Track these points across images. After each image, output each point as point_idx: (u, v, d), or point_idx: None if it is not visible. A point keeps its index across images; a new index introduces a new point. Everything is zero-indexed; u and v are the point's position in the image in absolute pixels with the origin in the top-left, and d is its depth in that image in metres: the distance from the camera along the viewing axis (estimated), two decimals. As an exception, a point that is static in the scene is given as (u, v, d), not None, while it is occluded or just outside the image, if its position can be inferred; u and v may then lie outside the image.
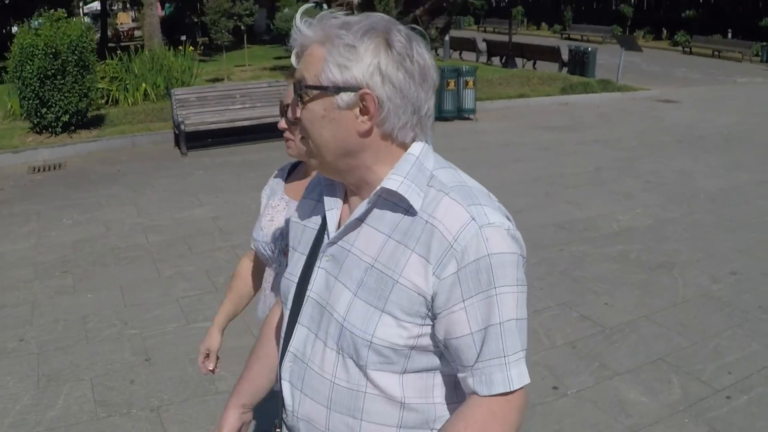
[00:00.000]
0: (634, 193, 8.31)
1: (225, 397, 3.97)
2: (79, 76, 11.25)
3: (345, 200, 1.53)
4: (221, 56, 21.91)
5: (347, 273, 1.44)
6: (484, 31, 37.26)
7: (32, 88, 10.92)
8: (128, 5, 31.40)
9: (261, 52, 26.10)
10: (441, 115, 12.74)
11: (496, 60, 23.16)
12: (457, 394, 1.45)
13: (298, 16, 1.41)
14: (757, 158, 10.20)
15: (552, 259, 6.04)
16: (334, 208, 1.52)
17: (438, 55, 22.09)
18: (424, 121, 1.42)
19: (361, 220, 1.44)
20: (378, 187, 1.39)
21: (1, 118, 13.11)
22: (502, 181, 8.39)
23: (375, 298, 1.38)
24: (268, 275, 2.42)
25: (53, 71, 10.87)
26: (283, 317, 1.60)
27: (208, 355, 2.49)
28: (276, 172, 2.47)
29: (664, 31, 34.12)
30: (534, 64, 21.76)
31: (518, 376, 1.35)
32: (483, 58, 23.45)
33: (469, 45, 24.56)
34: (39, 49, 10.72)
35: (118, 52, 15.58)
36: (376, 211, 1.43)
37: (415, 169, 1.40)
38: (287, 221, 2.19)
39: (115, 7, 40.21)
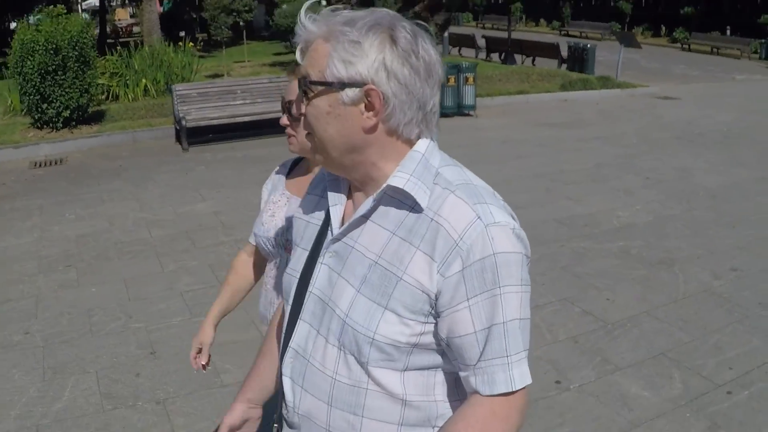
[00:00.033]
0: (634, 189, 8.35)
1: (230, 390, 4.05)
2: (80, 72, 11.25)
3: (349, 196, 1.52)
4: (220, 52, 21.89)
5: (350, 269, 1.43)
6: (483, 28, 37.29)
7: (33, 83, 10.92)
8: (127, 1, 31.31)
9: (260, 48, 26.09)
10: (441, 112, 12.50)
11: (495, 56, 23.17)
12: (458, 392, 1.45)
13: (302, 11, 1.40)
14: (756, 155, 10.23)
15: (553, 254, 6.08)
16: (338, 203, 1.51)
17: (437, 51, 22.08)
18: (430, 117, 1.41)
19: (366, 216, 1.43)
20: (384, 185, 1.39)
21: (2, 114, 13.11)
22: (502, 178, 8.43)
23: (378, 294, 1.38)
24: (270, 270, 2.43)
25: (54, 67, 10.88)
26: (285, 313, 1.60)
27: (200, 351, 2.46)
28: (278, 167, 2.47)
29: (663, 28, 34.19)
30: (533, 60, 21.78)
31: (520, 376, 1.36)
32: (482, 55, 23.46)
33: (468, 41, 24.56)
34: (40, 45, 10.73)
35: (118, 48, 15.58)
36: (381, 207, 1.42)
37: (421, 166, 1.39)
38: (288, 217, 2.21)
39: (114, 3, 40.13)
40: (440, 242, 1.33)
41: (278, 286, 2.36)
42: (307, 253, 1.55)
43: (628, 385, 4.08)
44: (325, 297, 1.47)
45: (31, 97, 11.12)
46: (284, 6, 24.76)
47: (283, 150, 2.25)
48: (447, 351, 1.40)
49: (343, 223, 1.48)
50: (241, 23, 22.07)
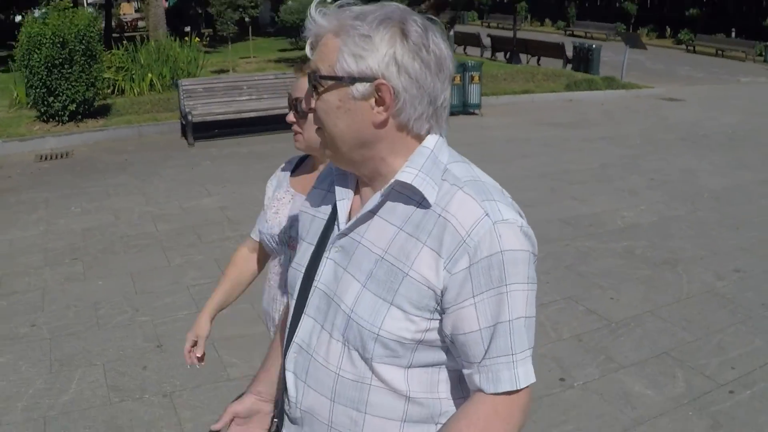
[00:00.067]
0: (638, 190, 8.37)
1: (236, 384, 4.08)
2: (86, 66, 11.28)
3: (356, 191, 1.52)
4: (226, 48, 21.90)
5: (356, 264, 1.42)
6: (488, 27, 37.30)
7: (39, 76, 10.95)
8: (133, -5, 31.40)
9: (265, 44, 26.12)
10: (447, 109, 12.76)
11: (500, 55, 23.19)
12: (462, 389, 1.45)
13: (313, 6, 1.39)
14: (760, 158, 10.25)
15: (558, 253, 6.11)
16: (345, 198, 1.51)
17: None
18: (440, 112, 1.40)
19: (373, 212, 1.43)
20: (392, 180, 1.38)
21: (8, 107, 13.15)
22: (507, 177, 8.44)
23: (384, 290, 1.37)
24: (273, 267, 2.44)
25: (60, 60, 10.90)
26: (289, 308, 1.59)
27: (195, 344, 2.45)
28: (284, 164, 2.47)
29: (668, 30, 34.16)
30: (538, 60, 21.75)
31: (525, 374, 1.35)
32: (487, 54, 23.44)
33: (473, 40, 24.57)
34: (47, 38, 10.75)
35: (125, 42, 15.61)
36: (388, 203, 1.41)
37: (430, 162, 1.39)
38: (291, 215, 2.23)
39: (120, -3, 40.20)
40: (447, 238, 1.32)
41: (282, 283, 2.37)
42: (312, 248, 1.55)
43: (632, 384, 4.10)
44: (330, 292, 1.46)
45: (38, 90, 11.15)
46: (290, 2, 24.79)
47: (289, 146, 2.26)
48: (451, 348, 1.40)
49: (350, 218, 1.47)
50: (246, 19, 22.08)
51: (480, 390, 1.36)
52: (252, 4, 21.17)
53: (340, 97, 1.35)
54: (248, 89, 11.89)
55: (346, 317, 1.41)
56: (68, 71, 11.03)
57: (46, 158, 10.22)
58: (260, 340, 2.51)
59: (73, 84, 11.18)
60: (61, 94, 11.17)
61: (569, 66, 20.11)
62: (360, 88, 1.33)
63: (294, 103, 2.16)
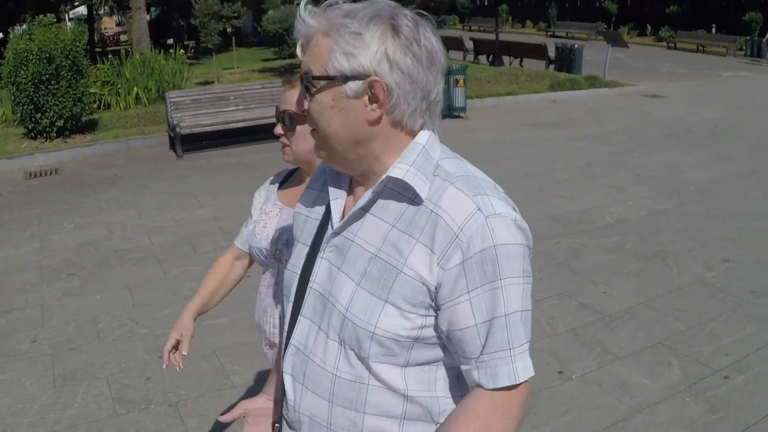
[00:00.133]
0: (625, 186, 8.48)
1: (240, 391, 4.14)
2: (73, 81, 11.29)
3: (350, 191, 1.51)
4: (209, 59, 21.94)
5: (351, 263, 1.42)
6: (470, 30, 37.46)
7: (27, 93, 10.94)
8: (115, 9, 31.30)
9: (248, 54, 26.15)
10: (432, 114, 12.83)
11: (482, 58, 23.32)
12: (460, 387, 1.45)
13: (302, 6, 1.38)
14: (743, 150, 10.40)
15: (549, 251, 6.20)
16: (338, 198, 1.50)
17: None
18: (433, 107, 1.41)
19: (365, 209, 1.42)
20: (383, 176, 1.38)
21: (-6, 125, 13.15)
22: (495, 178, 8.23)
23: (378, 288, 1.36)
24: (263, 279, 2.45)
25: (47, 76, 10.90)
26: (286, 310, 1.59)
27: (176, 346, 2.41)
28: (272, 177, 2.48)
29: (649, 27, 34.44)
30: (521, 61, 21.91)
31: (523, 368, 1.35)
32: (470, 57, 23.57)
33: (455, 44, 24.66)
34: (33, 54, 10.76)
35: (109, 56, 15.63)
36: (380, 200, 1.41)
37: (421, 157, 1.38)
38: (279, 228, 2.26)
39: (101, 12, 40.01)
40: (440, 234, 1.32)
41: (272, 296, 2.39)
42: (307, 249, 1.54)
43: (629, 374, 4.19)
44: (325, 292, 1.46)
45: (25, 107, 11.14)
46: (270, 12, 24.84)
47: (278, 155, 2.28)
48: (448, 344, 1.39)
49: (343, 218, 1.47)
50: (228, 30, 22.12)
51: (479, 386, 1.36)
52: (235, 14, 21.21)
53: (333, 96, 1.35)
54: (235, 100, 11.93)
55: (341, 317, 1.41)
56: (55, 87, 11.03)
57: (35, 175, 10.21)
58: (261, 347, 2.57)
59: (60, 100, 11.18)
60: (48, 110, 11.16)
61: (552, 67, 20.27)
62: (353, 86, 1.33)
63: (282, 116, 2.17)
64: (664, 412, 3.79)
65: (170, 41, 26.49)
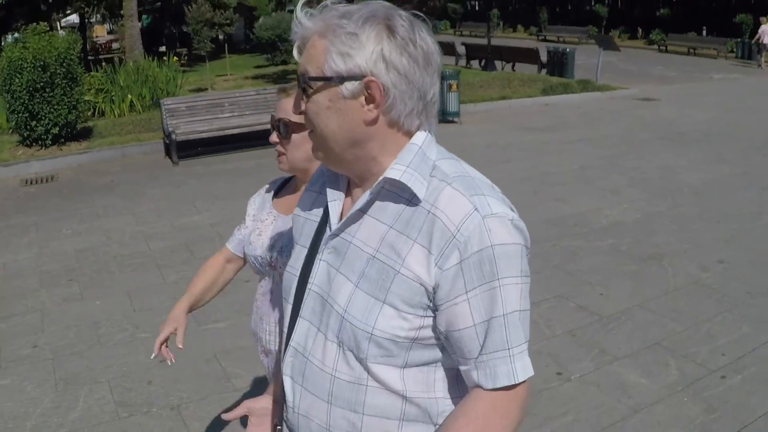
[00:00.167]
0: (620, 189, 8.54)
1: (242, 395, 4.16)
2: (68, 89, 11.30)
3: (348, 192, 1.52)
4: (202, 66, 21.98)
5: (349, 265, 1.42)
6: (461, 35, 37.62)
7: (22, 101, 10.96)
8: (107, 17, 31.36)
9: (240, 61, 26.21)
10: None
11: (474, 63, 23.38)
12: (459, 388, 1.45)
13: (298, 8, 1.39)
14: (736, 152, 10.48)
15: (545, 253, 6.26)
16: (336, 199, 1.51)
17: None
18: (430, 107, 1.41)
19: (363, 211, 1.42)
20: (381, 177, 1.38)
21: (-12, 133, 13.14)
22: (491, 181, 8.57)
23: (376, 289, 1.36)
24: (259, 288, 2.46)
25: (42, 84, 10.92)
26: (285, 311, 1.59)
27: (166, 342, 2.39)
28: (268, 185, 2.49)
29: (640, 30, 34.60)
30: (513, 66, 22.00)
31: (523, 368, 1.35)
32: (462, 62, 23.66)
33: (447, 49, 24.74)
34: (28, 62, 10.78)
35: (103, 64, 15.65)
36: (378, 202, 1.41)
37: (418, 158, 1.38)
38: (274, 235, 2.27)
39: (93, 20, 40.07)
40: (437, 234, 1.32)
41: (268, 303, 2.41)
42: (306, 250, 1.55)
43: (627, 374, 4.24)
44: (324, 293, 1.46)
45: (20, 114, 11.14)
46: (261, 19, 24.92)
47: (273, 161, 2.29)
48: (446, 345, 1.39)
49: (341, 219, 1.47)
50: (220, 37, 22.19)
51: (478, 386, 1.36)
52: (227, 21, 21.28)
53: (329, 97, 1.35)
54: (230, 106, 11.95)
55: (339, 318, 1.41)
56: (50, 95, 11.05)
57: (31, 182, 10.22)
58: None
59: (55, 107, 11.19)
60: (43, 117, 11.17)
61: (544, 71, 20.33)
62: (349, 86, 1.33)
63: (277, 124, 2.18)
64: (663, 412, 3.83)
65: (162, 48, 26.52)
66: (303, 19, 1.37)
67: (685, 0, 34.75)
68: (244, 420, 1.82)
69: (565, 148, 11.09)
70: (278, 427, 1.64)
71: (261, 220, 2.37)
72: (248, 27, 31.27)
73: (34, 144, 11.54)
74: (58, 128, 11.37)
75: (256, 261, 2.34)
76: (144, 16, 33.74)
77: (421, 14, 1.41)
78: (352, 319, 1.38)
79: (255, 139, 10.94)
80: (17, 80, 10.82)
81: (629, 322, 4.94)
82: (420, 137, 1.41)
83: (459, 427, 1.35)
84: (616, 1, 39.30)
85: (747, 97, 16.80)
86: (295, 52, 1.42)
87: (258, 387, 4.23)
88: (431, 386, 1.44)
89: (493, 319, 1.32)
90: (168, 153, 11.28)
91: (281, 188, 2.43)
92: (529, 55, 21.09)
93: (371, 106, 1.34)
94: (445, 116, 13.46)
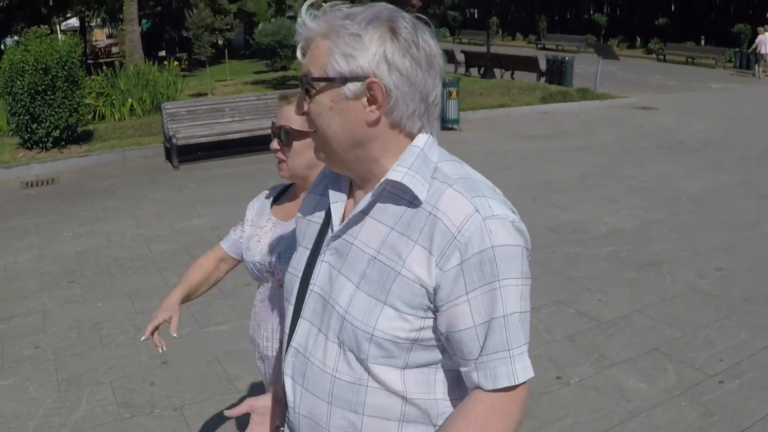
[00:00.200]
0: (618, 197, 8.59)
1: (244, 396, 4.17)
2: (69, 92, 11.37)
3: (350, 194, 1.52)
4: (202, 71, 22.02)
5: (350, 266, 1.42)
6: (460, 43, 37.71)
7: (23, 103, 11.01)
8: (107, 21, 31.43)
9: (240, 67, 26.28)
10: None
11: (474, 71, 23.45)
12: (459, 390, 1.45)
13: (303, 9, 1.40)
14: (735, 161, 10.54)
15: (545, 260, 6.30)
16: (338, 201, 1.51)
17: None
18: (431, 109, 1.41)
19: (365, 212, 1.43)
20: (382, 179, 1.39)
21: (-11, 135, 13.17)
22: None
23: (377, 290, 1.37)
24: (257, 294, 2.47)
25: (44, 87, 10.98)
26: (286, 312, 1.59)
27: (157, 329, 2.40)
28: (267, 191, 2.50)
29: (638, 40, 34.73)
30: (512, 74, 22.06)
31: (523, 369, 1.35)
32: (461, 70, 23.72)
33: (447, 56, 24.77)
34: (29, 65, 10.84)
35: (104, 68, 15.70)
36: (380, 203, 1.42)
37: (420, 160, 1.39)
38: (273, 242, 2.28)
39: (93, 24, 40.14)
40: (438, 236, 1.32)
41: (266, 309, 2.42)
42: (308, 252, 1.55)
43: (626, 379, 4.28)
44: (325, 294, 1.46)
45: (21, 117, 11.19)
46: (261, 25, 24.97)
47: (273, 166, 2.30)
48: (447, 346, 1.39)
49: (343, 221, 1.48)
50: (219, 42, 22.23)
51: (478, 387, 1.36)
52: (227, 27, 21.32)
53: (332, 98, 1.36)
54: (230, 111, 12.00)
55: (340, 318, 1.41)
56: (51, 98, 11.10)
57: (32, 185, 10.25)
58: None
59: (56, 110, 11.24)
60: (44, 120, 11.22)
61: (543, 79, 20.41)
62: (352, 87, 1.34)
63: (278, 132, 2.18)
64: (661, 416, 3.87)
65: (162, 53, 26.61)
66: (307, 21, 1.38)
67: (684, 9, 34.91)
68: (241, 424, 1.83)
69: (564, 156, 11.14)
70: (281, 429, 1.64)
71: (260, 227, 2.37)
72: (248, 32, 31.31)
73: (35, 146, 11.59)
74: (58, 131, 11.42)
75: (255, 267, 2.36)
76: (144, 21, 33.80)
77: (424, 17, 1.42)
78: (353, 320, 1.39)
79: (255, 144, 10.98)
80: (19, 83, 10.87)
81: (628, 328, 4.97)
82: (422, 139, 1.42)
83: (459, 428, 1.35)
84: (615, 10, 39.44)
85: (745, 106, 16.89)
86: (298, 54, 1.43)
87: (260, 389, 4.24)
88: (431, 387, 1.44)
89: (493, 320, 1.32)
90: (168, 157, 11.31)
91: (281, 195, 2.44)
92: (528, 64, 21.17)
93: (373, 107, 1.35)
94: (444, 123, 13.49)
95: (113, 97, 14.69)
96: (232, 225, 2.61)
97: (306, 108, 1.42)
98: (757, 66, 24.48)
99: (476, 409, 1.35)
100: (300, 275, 1.55)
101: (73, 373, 4.60)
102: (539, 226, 7.18)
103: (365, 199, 1.42)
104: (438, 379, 1.45)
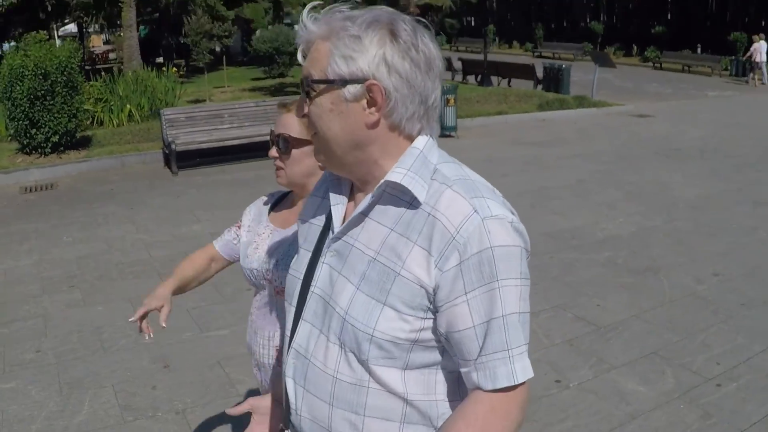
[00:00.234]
0: (616, 203, 8.64)
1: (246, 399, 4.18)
2: (68, 97, 11.37)
3: (351, 197, 1.53)
4: (199, 78, 22.04)
5: (350, 267, 1.43)
6: (457, 50, 37.76)
7: (22, 108, 11.02)
8: (105, 27, 31.48)
9: (238, 73, 26.29)
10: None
11: (471, 78, 23.52)
12: (460, 391, 1.44)
13: (304, 12, 1.40)
14: (731, 168, 10.62)
15: (543, 265, 6.34)
16: (339, 203, 1.52)
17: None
18: (431, 112, 1.42)
19: (365, 214, 1.44)
20: (382, 181, 1.40)
21: (-13, 140, 13.19)
22: None
23: (377, 291, 1.37)
24: (254, 302, 2.47)
25: (43, 92, 10.99)
26: (288, 314, 1.60)
27: (145, 315, 2.41)
28: (266, 197, 2.51)
29: (635, 47, 34.87)
30: (509, 82, 22.10)
31: (522, 369, 1.35)
32: (458, 77, 23.76)
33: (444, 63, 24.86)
34: (29, 70, 10.85)
35: (102, 74, 15.73)
36: (380, 205, 1.42)
37: (419, 162, 1.40)
38: (270, 249, 2.29)
39: (91, 30, 40.18)
40: (437, 236, 1.33)
41: (262, 317, 2.43)
42: (309, 254, 1.56)
43: (624, 382, 4.32)
44: (326, 296, 1.47)
45: (20, 122, 11.21)
46: (258, 32, 25.04)
47: (272, 173, 2.32)
48: (447, 346, 1.39)
49: (344, 223, 1.49)
50: (217, 49, 22.26)
51: (478, 388, 1.36)
52: (226, 33, 21.38)
53: (332, 100, 1.37)
54: (229, 117, 12.03)
55: (341, 320, 1.42)
56: (50, 103, 11.11)
57: (31, 190, 10.27)
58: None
59: (55, 116, 11.26)
60: (43, 125, 11.25)
61: (540, 87, 20.48)
62: (351, 89, 1.35)
63: (276, 139, 2.18)
64: (660, 418, 3.91)
65: (160, 59, 26.65)
66: (308, 24, 1.40)
67: (680, 17, 35.05)
68: (242, 423, 1.85)
69: (562, 163, 11.19)
70: (284, 431, 1.65)
71: (258, 234, 2.38)
72: (245, 39, 31.38)
73: (34, 152, 11.61)
74: (57, 136, 11.44)
75: (252, 274, 2.36)
76: (141, 27, 33.85)
77: (424, 20, 1.42)
78: (353, 321, 1.39)
79: (254, 151, 11.00)
80: (18, 88, 10.89)
81: (626, 332, 5.02)
82: (421, 141, 1.43)
83: (458, 429, 1.35)
84: (612, 18, 39.60)
85: (741, 114, 16.99)
86: (299, 56, 1.44)
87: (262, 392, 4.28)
88: (432, 389, 1.44)
89: (492, 320, 1.33)
90: (167, 163, 11.34)
91: (278, 202, 2.45)
92: (525, 71, 21.24)
93: (373, 109, 1.36)
94: (442, 130, 13.51)
95: (112, 103, 14.72)
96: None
97: (306, 110, 1.43)
98: (751, 74, 24.61)
99: (476, 410, 1.35)
100: (301, 277, 1.56)
101: (75, 376, 4.63)
102: (537, 233, 7.21)
103: (365, 201, 1.43)
104: (439, 381, 1.45)
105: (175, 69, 18.53)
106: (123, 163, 11.75)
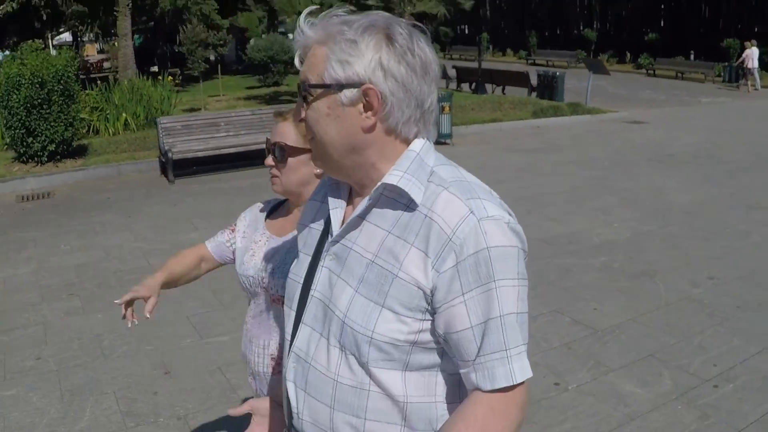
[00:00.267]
0: (611, 209, 8.70)
1: (247, 403, 4.20)
2: (65, 106, 11.40)
3: (349, 201, 1.53)
4: (194, 86, 22.06)
5: (349, 270, 1.44)
6: (451, 58, 37.89)
7: (18, 117, 11.04)
8: (99, 36, 31.49)
9: (232, 82, 26.31)
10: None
11: (465, 86, 23.58)
12: (460, 393, 1.44)
13: (302, 17, 1.41)
14: (725, 173, 10.70)
15: (540, 270, 6.38)
16: (338, 207, 1.52)
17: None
18: (427, 115, 1.43)
19: (362, 217, 1.44)
20: (379, 183, 1.40)
21: (-17, 150, 13.18)
22: None
23: (375, 293, 1.38)
24: (250, 310, 2.46)
25: (39, 101, 11.01)
26: (288, 319, 1.60)
27: (131, 303, 2.43)
28: (262, 204, 2.51)
29: (628, 55, 35.05)
30: (503, 89, 22.19)
31: (521, 369, 1.34)
32: (452, 85, 23.86)
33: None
34: (26, 79, 10.88)
35: (98, 82, 15.75)
36: (377, 208, 1.43)
37: (416, 164, 1.40)
38: (266, 256, 2.31)
39: (85, 39, 40.16)
40: (434, 238, 1.34)
41: (257, 325, 2.43)
42: (309, 258, 1.57)
43: (622, 384, 4.36)
44: (325, 299, 1.48)
45: (16, 131, 11.23)
46: (253, 40, 25.08)
47: (268, 181, 2.33)
48: (446, 348, 1.40)
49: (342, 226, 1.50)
50: (212, 57, 22.29)
51: (477, 389, 1.36)
52: (221, 42, 21.41)
53: (329, 104, 1.38)
54: (225, 126, 12.07)
55: (340, 323, 1.42)
56: (47, 112, 11.14)
57: (28, 199, 10.28)
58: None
59: (51, 124, 11.28)
60: (40, 134, 11.26)
61: (534, 94, 20.56)
62: (348, 94, 1.35)
63: (272, 148, 2.18)
64: (658, 419, 3.96)
65: (155, 68, 26.64)
66: (305, 29, 1.41)
67: (673, 24, 35.27)
68: (242, 424, 1.88)
69: (557, 170, 11.26)
70: None
71: (254, 241, 2.38)
72: (240, 48, 31.46)
73: (30, 160, 11.63)
74: (54, 145, 11.46)
75: (248, 281, 2.36)
76: (136, 36, 33.87)
77: (420, 25, 1.44)
78: (353, 324, 1.40)
79: (250, 159, 11.05)
80: (15, 96, 10.91)
81: (623, 336, 5.06)
82: (418, 144, 1.43)
83: (458, 430, 1.35)
84: (605, 25, 39.81)
85: (734, 120, 17.11)
86: (296, 61, 1.45)
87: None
88: (432, 391, 1.45)
89: (489, 320, 1.33)
90: (164, 171, 11.37)
91: (274, 210, 2.45)
92: (520, 79, 21.34)
93: (369, 113, 1.37)
94: (437, 138, 13.59)
95: (107, 112, 14.74)
96: (229, 240, 2.64)
97: (303, 115, 1.44)
98: (743, 80, 24.76)
99: (475, 411, 1.35)
100: (301, 281, 1.56)
101: (77, 383, 4.64)
102: (534, 239, 7.25)
103: (362, 204, 1.44)
104: (439, 383, 1.45)
105: (170, 78, 18.53)
106: (119, 171, 11.77)
